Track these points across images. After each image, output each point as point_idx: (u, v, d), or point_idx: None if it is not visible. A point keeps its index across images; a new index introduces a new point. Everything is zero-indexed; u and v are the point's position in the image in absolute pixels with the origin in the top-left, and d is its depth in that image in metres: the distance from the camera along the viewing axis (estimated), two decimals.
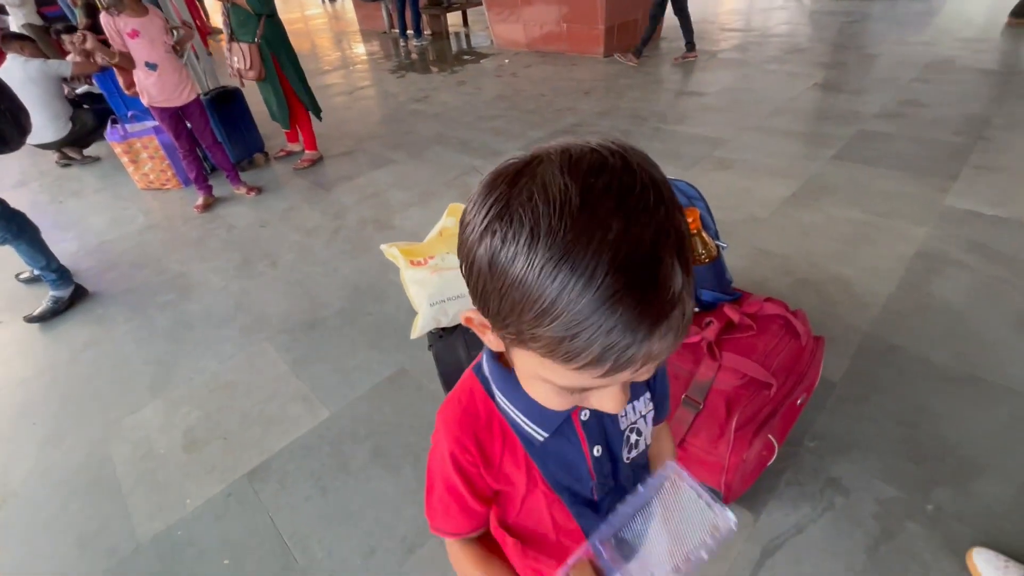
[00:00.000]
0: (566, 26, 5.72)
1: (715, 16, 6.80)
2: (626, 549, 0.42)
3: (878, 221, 2.30)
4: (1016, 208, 2.26)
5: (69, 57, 3.65)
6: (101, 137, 3.94)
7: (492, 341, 0.43)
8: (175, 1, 3.73)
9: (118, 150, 3.46)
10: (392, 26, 7.95)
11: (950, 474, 1.32)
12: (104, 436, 1.76)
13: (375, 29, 8.72)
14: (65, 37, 3.88)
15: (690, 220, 1.34)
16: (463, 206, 0.37)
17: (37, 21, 4.90)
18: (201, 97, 3.17)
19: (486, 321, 0.40)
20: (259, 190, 3.39)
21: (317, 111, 3.61)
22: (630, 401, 0.57)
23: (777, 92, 3.96)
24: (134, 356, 2.11)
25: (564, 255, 0.30)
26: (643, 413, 0.58)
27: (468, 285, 0.38)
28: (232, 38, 3.19)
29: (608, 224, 0.30)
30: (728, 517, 0.42)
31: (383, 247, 1.57)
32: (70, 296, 2.44)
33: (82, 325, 2.34)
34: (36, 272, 2.44)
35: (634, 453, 0.59)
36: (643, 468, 0.63)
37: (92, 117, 4.02)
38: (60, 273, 2.41)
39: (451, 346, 1.47)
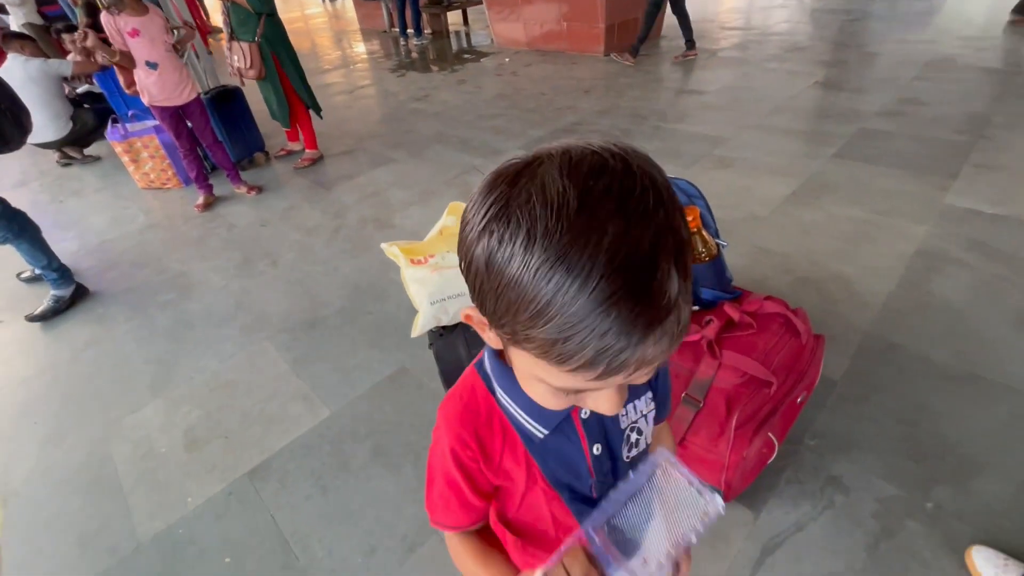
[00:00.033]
0: (566, 25, 5.71)
1: (715, 14, 6.79)
2: (618, 535, 0.43)
3: (878, 219, 2.30)
4: (1016, 207, 2.25)
5: (69, 56, 3.65)
6: (102, 136, 3.94)
7: (491, 339, 0.44)
8: (175, 0, 3.73)
9: (119, 149, 3.46)
10: (392, 25, 7.94)
11: (950, 472, 1.32)
12: (105, 435, 1.76)
13: (375, 28, 8.72)
14: (65, 36, 3.88)
15: (690, 218, 1.34)
16: (463, 205, 0.37)
17: (37, 20, 4.90)
18: (201, 96, 3.18)
19: (484, 319, 0.40)
20: (259, 189, 3.40)
21: (317, 109, 3.61)
22: (631, 400, 0.57)
23: (777, 90, 3.95)
24: (135, 355, 2.11)
25: (560, 257, 0.30)
26: (644, 412, 0.59)
27: (467, 283, 0.38)
28: (232, 37, 3.19)
29: (605, 227, 0.30)
30: (717, 502, 0.43)
31: (383, 246, 1.57)
32: (71, 295, 2.45)
33: (83, 324, 2.35)
34: (37, 271, 2.44)
35: (634, 452, 0.59)
36: None
37: (93, 116, 4.02)
38: (61, 272, 2.41)
39: (452, 344, 1.47)
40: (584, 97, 4.38)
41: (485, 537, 0.62)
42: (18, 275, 2.75)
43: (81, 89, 4.53)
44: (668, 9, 4.80)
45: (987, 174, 2.53)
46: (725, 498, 1.25)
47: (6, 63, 3.56)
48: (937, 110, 3.26)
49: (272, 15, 3.17)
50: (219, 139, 3.33)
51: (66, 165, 4.29)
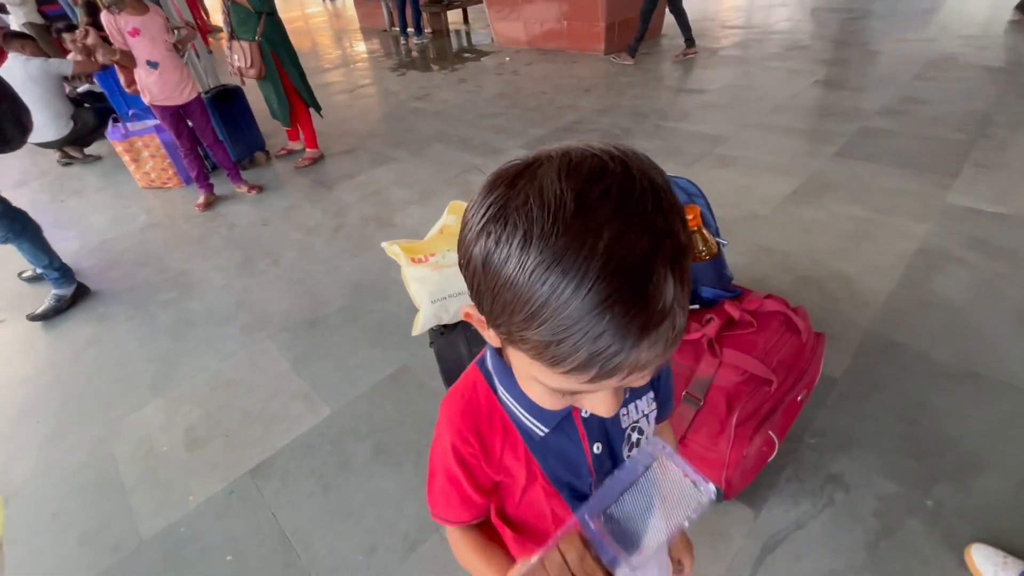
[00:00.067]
0: (567, 23, 5.71)
1: (716, 13, 6.77)
2: (615, 526, 0.43)
3: (879, 218, 2.30)
4: (1017, 205, 2.25)
5: (70, 56, 3.65)
6: (102, 136, 3.94)
7: (491, 337, 0.44)
8: (176, 0, 3.73)
9: (119, 149, 3.46)
10: (392, 24, 7.93)
11: (950, 470, 1.32)
12: (106, 434, 1.76)
13: (375, 27, 8.71)
14: (66, 35, 3.87)
15: (690, 217, 1.34)
16: (464, 203, 0.38)
17: (38, 20, 4.91)
18: (202, 95, 3.18)
19: (483, 317, 0.40)
20: (260, 188, 3.40)
21: (318, 108, 3.61)
22: (632, 400, 0.57)
23: (778, 89, 3.94)
24: (136, 354, 2.11)
25: (555, 259, 0.30)
26: (645, 412, 0.59)
27: (466, 283, 0.38)
28: (232, 36, 3.20)
29: (601, 230, 0.30)
30: (711, 491, 0.43)
31: (384, 245, 1.57)
32: (72, 294, 2.45)
33: (84, 323, 2.35)
34: (38, 271, 2.45)
35: (635, 451, 0.59)
36: None
37: (93, 116, 4.02)
38: (62, 272, 2.42)
39: (452, 343, 1.47)
40: (584, 96, 4.37)
41: (486, 531, 0.62)
42: (19, 274, 2.75)
43: (82, 88, 4.53)
44: (668, 9, 4.79)
45: (988, 173, 2.53)
46: (726, 496, 1.25)
47: (7, 62, 3.56)
48: (938, 109, 3.26)
49: (272, 14, 3.17)
50: (220, 138, 3.33)
51: (67, 164, 4.30)
